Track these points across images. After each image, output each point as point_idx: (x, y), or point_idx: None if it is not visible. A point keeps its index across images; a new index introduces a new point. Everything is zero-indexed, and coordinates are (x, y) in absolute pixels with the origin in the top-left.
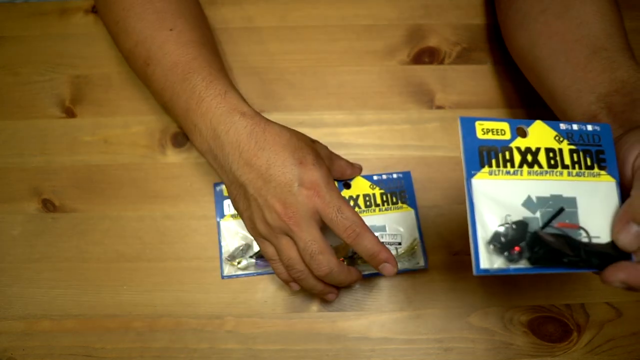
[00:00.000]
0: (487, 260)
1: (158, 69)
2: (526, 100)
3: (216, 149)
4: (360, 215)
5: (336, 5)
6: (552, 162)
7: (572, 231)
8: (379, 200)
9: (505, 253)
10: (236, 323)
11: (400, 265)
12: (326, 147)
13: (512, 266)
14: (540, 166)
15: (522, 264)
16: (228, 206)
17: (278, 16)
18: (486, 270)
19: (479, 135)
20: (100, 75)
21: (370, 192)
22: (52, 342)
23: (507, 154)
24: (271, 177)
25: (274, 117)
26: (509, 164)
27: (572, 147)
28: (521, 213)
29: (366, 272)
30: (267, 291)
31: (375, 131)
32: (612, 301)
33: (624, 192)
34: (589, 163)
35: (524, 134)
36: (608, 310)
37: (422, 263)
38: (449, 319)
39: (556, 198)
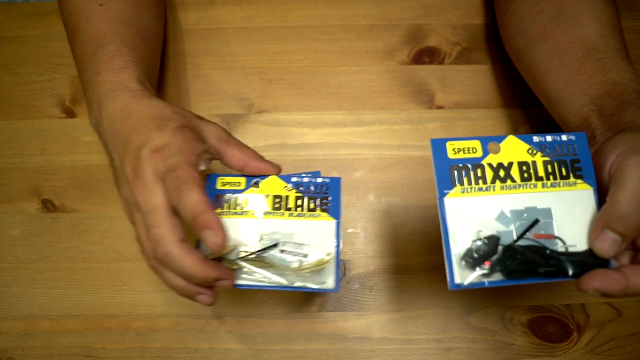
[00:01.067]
0: (460, 275)
1: (79, 40)
2: (526, 100)
3: (98, 124)
4: (263, 218)
5: (336, 5)
6: (526, 175)
7: (548, 241)
8: (291, 204)
9: (477, 268)
10: (236, 323)
11: (299, 281)
12: (224, 131)
13: (486, 280)
14: (513, 180)
15: (497, 277)
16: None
17: (278, 16)
18: (459, 285)
19: (450, 155)
20: None
21: (284, 193)
22: (52, 342)
23: (478, 171)
24: (129, 144)
25: (274, 117)
26: (480, 181)
27: (546, 158)
28: (495, 227)
29: (243, 283)
30: (267, 291)
31: (375, 131)
32: (612, 301)
33: (602, 199)
34: (564, 173)
35: (496, 150)
36: (608, 310)
37: (330, 283)
38: (449, 319)
39: (531, 210)
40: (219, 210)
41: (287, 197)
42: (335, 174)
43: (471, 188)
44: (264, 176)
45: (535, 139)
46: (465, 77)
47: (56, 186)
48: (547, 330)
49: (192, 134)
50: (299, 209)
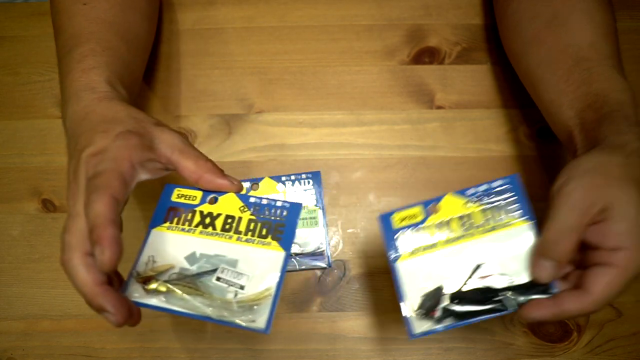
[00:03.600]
0: (417, 326)
1: (61, 39)
2: (526, 100)
3: (63, 124)
4: (212, 239)
5: (336, 5)
6: (467, 225)
7: (494, 279)
8: (243, 227)
9: (429, 317)
10: None
11: (227, 315)
12: (182, 140)
13: (439, 326)
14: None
15: (449, 321)
16: None
17: (278, 16)
18: (417, 335)
19: (395, 225)
20: None
21: (238, 214)
22: (52, 342)
23: (421, 231)
24: (76, 145)
25: (274, 117)
26: (424, 242)
27: (482, 207)
28: (439, 281)
29: (166, 307)
30: None
31: (375, 131)
32: (612, 301)
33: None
34: (501, 216)
35: (435, 210)
36: (608, 310)
37: (260, 323)
38: None
39: (474, 254)
40: (166, 225)
41: (240, 218)
42: (335, 174)
43: (418, 249)
44: (222, 192)
45: (470, 191)
46: (465, 77)
47: (56, 186)
48: (547, 330)
49: (136, 140)
50: (250, 233)
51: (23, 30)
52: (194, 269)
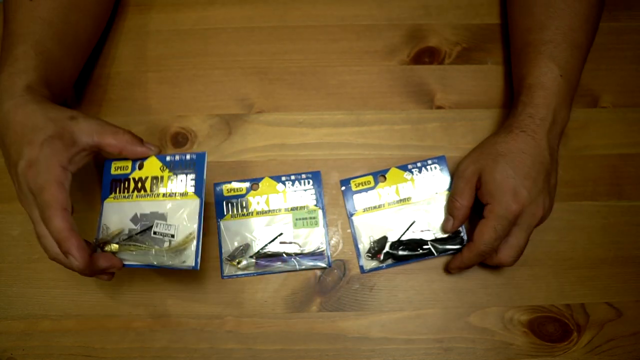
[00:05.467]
0: (366, 264)
1: (4, 32)
2: None
3: None
4: (146, 200)
5: (336, 5)
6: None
7: (423, 233)
8: (165, 185)
9: (375, 258)
10: (236, 323)
11: (165, 260)
12: (97, 123)
13: (383, 264)
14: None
15: (389, 262)
16: (229, 206)
17: (278, 16)
18: (366, 271)
19: (353, 189)
20: (101, 75)
21: (160, 174)
22: (52, 342)
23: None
24: (9, 158)
25: (274, 117)
26: (373, 203)
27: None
28: (384, 232)
29: (127, 263)
30: (267, 291)
31: (375, 131)
32: (612, 301)
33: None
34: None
35: (383, 179)
36: (608, 310)
37: (189, 262)
38: (449, 319)
39: (408, 217)
40: (112, 196)
41: (161, 177)
42: (335, 174)
43: (369, 208)
44: (145, 158)
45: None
46: (465, 77)
47: None
48: (547, 330)
49: (60, 144)
50: (172, 188)
51: None
52: (137, 228)
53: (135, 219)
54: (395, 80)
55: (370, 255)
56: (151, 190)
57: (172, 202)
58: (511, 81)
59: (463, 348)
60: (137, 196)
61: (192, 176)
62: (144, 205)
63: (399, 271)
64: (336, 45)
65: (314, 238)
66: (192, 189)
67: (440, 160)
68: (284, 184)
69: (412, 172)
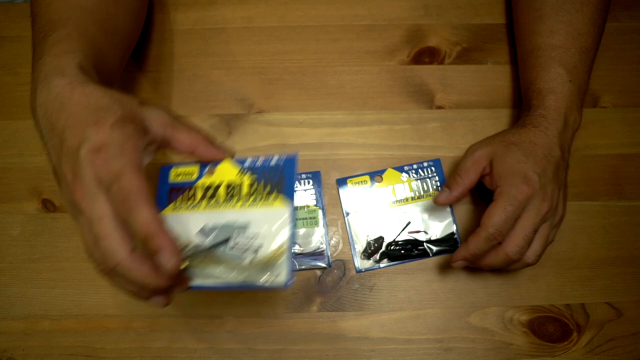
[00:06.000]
0: (361, 264)
1: (36, 26)
2: None
3: (33, 112)
4: (219, 210)
5: (336, 5)
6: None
7: (418, 234)
8: (245, 191)
9: (371, 258)
10: (236, 323)
11: (251, 277)
12: (169, 115)
13: (379, 264)
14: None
15: (385, 262)
16: None
17: (278, 16)
18: (361, 270)
19: (350, 187)
20: None
21: (238, 180)
22: (52, 342)
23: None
24: (64, 141)
25: (274, 117)
26: (369, 202)
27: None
28: (381, 232)
29: (194, 284)
30: (267, 291)
31: (375, 131)
32: (612, 301)
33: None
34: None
35: (380, 180)
36: (608, 310)
37: (281, 279)
38: (449, 319)
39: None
40: (172, 206)
41: (240, 183)
42: (335, 174)
43: (364, 207)
44: (217, 162)
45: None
46: (465, 77)
47: (56, 186)
48: (547, 330)
49: (133, 127)
50: (252, 196)
51: (23, 30)
52: (207, 242)
53: (204, 232)
54: (395, 80)
55: (366, 255)
56: (227, 199)
57: (256, 212)
58: (512, 81)
59: (463, 348)
60: (207, 205)
61: (280, 183)
62: (217, 216)
63: (399, 271)
64: (336, 45)
65: (313, 238)
66: (280, 197)
67: (435, 163)
68: None
69: (408, 174)
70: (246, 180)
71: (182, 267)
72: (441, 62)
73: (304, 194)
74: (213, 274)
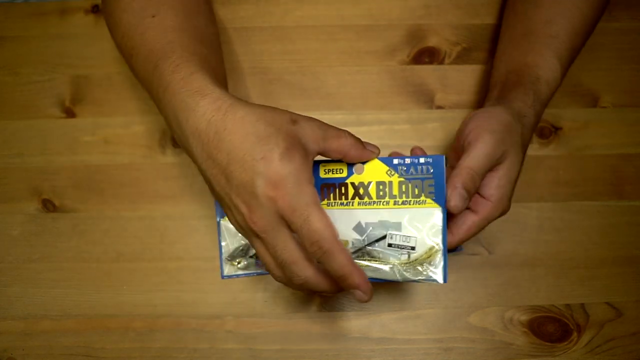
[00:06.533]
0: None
1: (139, 59)
2: None
3: (182, 140)
4: (371, 208)
5: (336, 5)
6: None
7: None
8: (395, 191)
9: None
10: (236, 323)
11: (408, 274)
12: (318, 126)
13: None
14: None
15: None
16: None
17: (278, 16)
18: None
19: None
20: (100, 75)
21: (387, 179)
22: (52, 342)
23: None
24: (232, 174)
25: None
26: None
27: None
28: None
29: (372, 277)
30: (267, 291)
31: (375, 131)
32: (612, 301)
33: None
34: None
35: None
36: (608, 310)
37: (438, 277)
38: (449, 319)
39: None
40: (325, 202)
41: (390, 182)
42: None
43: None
44: (366, 161)
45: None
46: (465, 77)
47: (56, 186)
48: (547, 330)
49: (299, 156)
50: (404, 195)
51: (23, 30)
52: (363, 239)
53: (359, 229)
54: (395, 80)
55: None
56: (378, 197)
57: (408, 211)
58: None
59: (463, 348)
60: (359, 203)
61: (429, 182)
62: (369, 214)
63: None
64: (336, 45)
65: None
66: (431, 196)
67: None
68: None
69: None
70: (395, 179)
71: None
72: (441, 62)
73: None
74: (372, 270)
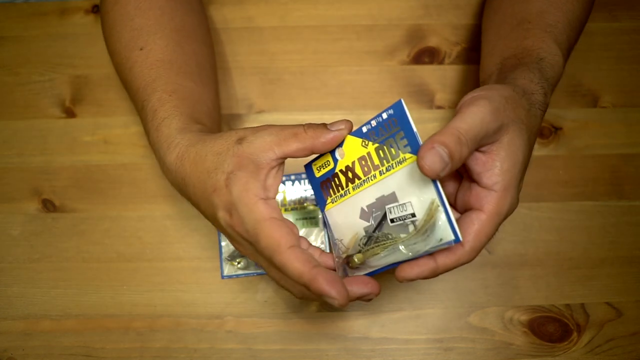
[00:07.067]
0: (350, 272)
1: (131, 94)
2: None
3: (162, 169)
4: (364, 188)
5: (336, 5)
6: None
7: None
8: (376, 160)
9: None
10: (236, 323)
11: (421, 246)
12: (269, 133)
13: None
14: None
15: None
16: None
17: (278, 16)
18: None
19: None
20: (100, 75)
21: (365, 151)
22: (52, 342)
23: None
24: (204, 213)
25: (274, 117)
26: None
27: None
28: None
29: (376, 269)
30: (267, 291)
31: None
32: (612, 301)
33: None
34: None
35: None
36: (608, 310)
37: (448, 236)
38: (449, 319)
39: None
40: (329, 200)
41: (368, 153)
42: None
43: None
44: (341, 142)
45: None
46: (465, 77)
47: (56, 186)
48: (547, 330)
49: (244, 176)
50: (384, 161)
51: (23, 30)
52: (370, 224)
53: (363, 215)
54: (395, 80)
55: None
56: (364, 174)
57: (394, 176)
58: None
59: (463, 348)
60: (353, 188)
61: (400, 135)
62: (365, 195)
63: None
64: (336, 45)
65: (313, 238)
66: (407, 150)
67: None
68: (284, 184)
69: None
70: (371, 148)
71: (361, 260)
72: (441, 62)
73: (304, 194)
74: (390, 254)
